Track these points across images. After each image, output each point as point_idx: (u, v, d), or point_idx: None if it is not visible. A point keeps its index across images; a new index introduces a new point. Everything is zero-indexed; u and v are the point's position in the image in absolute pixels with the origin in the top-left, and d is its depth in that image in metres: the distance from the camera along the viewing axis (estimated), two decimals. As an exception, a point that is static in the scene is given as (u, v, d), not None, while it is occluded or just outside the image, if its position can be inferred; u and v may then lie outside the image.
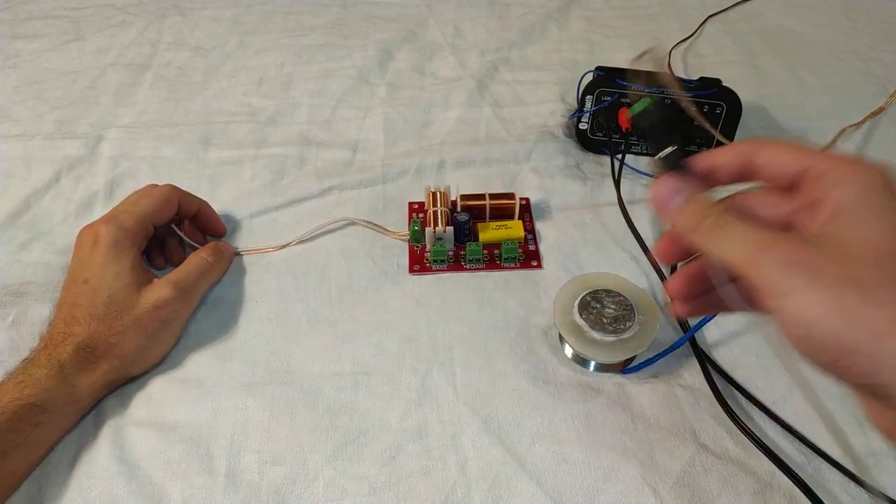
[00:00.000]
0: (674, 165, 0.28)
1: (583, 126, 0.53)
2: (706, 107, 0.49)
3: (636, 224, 0.47)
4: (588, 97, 0.51)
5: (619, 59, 0.65)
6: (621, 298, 0.39)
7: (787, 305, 0.22)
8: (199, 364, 0.40)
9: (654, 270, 0.44)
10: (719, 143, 0.51)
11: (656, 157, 0.29)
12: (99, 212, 0.50)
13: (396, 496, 0.34)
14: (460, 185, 0.49)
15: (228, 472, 0.35)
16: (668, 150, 0.29)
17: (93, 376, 0.37)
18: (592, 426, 0.36)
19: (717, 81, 0.50)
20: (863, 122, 0.56)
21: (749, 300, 0.26)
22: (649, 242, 0.46)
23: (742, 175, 0.28)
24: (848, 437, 0.36)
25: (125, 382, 0.39)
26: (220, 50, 0.67)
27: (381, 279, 0.44)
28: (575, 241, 0.47)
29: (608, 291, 0.40)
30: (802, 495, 0.33)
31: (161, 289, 0.40)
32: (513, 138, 0.55)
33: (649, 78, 0.50)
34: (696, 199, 0.27)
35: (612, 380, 0.39)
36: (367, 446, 0.36)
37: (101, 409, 0.38)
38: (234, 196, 0.51)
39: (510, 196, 0.47)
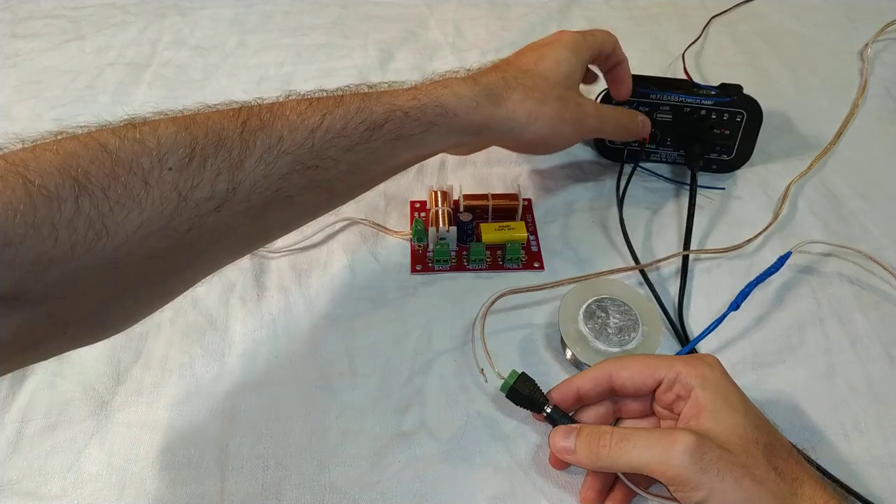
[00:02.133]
0: (555, 418, 0.33)
1: None
2: (726, 115, 0.48)
3: (629, 226, 0.47)
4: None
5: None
6: (626, 308, 0.39)
7: (707, 497, 0.27)
8: (196, 359, 0.40)
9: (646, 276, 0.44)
10: (740, 151, 0.50)
11: (543, 416, 0.34)
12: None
13: (401, 501, 0.34)
14: (462, 185, 0.48)
15: (226, 472, 0.35)
16: (547, 409, 0.33)
17: (485, 112, 0.38)
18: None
19: (739, 88, 0.49)
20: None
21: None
22: (638, 247, 0.46)
23: (605, 394, 0.34)
24: (834, 445, 0.36)
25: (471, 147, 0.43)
26: (219, 49, 0.67)
27: (384, 278, 0.44)
28: (577, 243, 0.47)
29: (613, 300, 0.39)
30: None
31: (589, 103, 0.43)
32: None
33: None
34: (585, 431, 0.31)
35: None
36: (368, 447, 0.36)
37: (93, 407, 0.38)
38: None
39: (513, 197, 0.47)
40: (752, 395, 0.32)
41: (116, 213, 0.25)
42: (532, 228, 0.47)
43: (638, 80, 0.49)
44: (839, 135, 0.56)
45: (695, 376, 0.31)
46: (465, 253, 0.46)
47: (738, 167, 0.52)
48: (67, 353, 0.34)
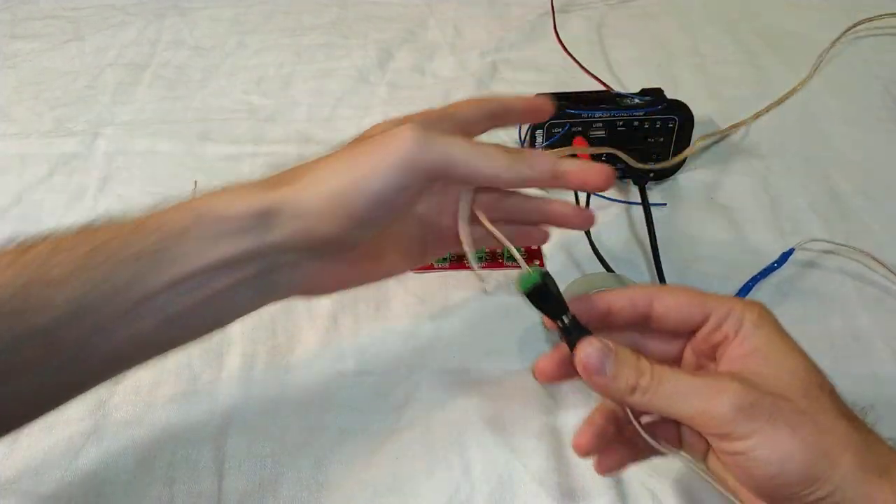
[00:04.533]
0: (571, 330, 0.28)
1: None
2: (658, 122, 0.48)
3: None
4: (538, 132, 0.48)
5: (620, 57, 0.65)
6: None
7: (754, 447, 0.23)
8: (193, 358, 0.40)
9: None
10: (676, 152, 0.49)
11: (558, 325, 0.28)
12: (89, 204, 0.49)
13: (398, 498, 0.34)
14: (461, 183, 0.48)
15: (224, 470, 0.35)
16: (565, 318, 0.28)
17: (261, 195, 0.27)
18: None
19: (660, 91, 0.49)
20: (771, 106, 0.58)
21: (676, 441, 0.28)
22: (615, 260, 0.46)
23: (637, 321, 0.29)
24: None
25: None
26: (219, 49, 0.67)
27: (383, 276, 0.44)
28: (576, 240, 0.47)
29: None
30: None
31: (451, 137, 0.28)
32: (512, 138, 0.55)
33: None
34: (624, 360, 0.26)
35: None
36: (368, 446, 0.36)
37: (91, 406, 0.37)
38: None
39: (512, 194, 0.47)
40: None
41: None
42: (532, 226, 0.47)
43: (560, 97, 0.49)
44: (841, 134, 0.56)
45: (749, 312, 0.27)
46: (464, 251, 0.45)
47: (675, 172, 0.51)
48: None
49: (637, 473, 0.34)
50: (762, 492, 0.24)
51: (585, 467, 0.34)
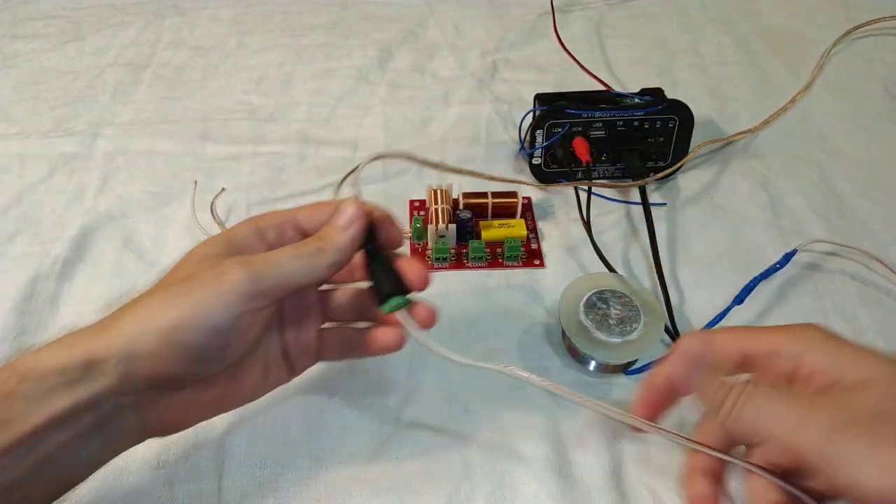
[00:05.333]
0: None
1: (536, 161, 0.50)
2: (658, 122, 0.48)
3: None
4: (538, 132, 0.48)
5: (620, 57, 0.65)
6: (627, 299, 0.39)
7: (860, 476, 0.22)
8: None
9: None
10: (675, 155, 0.50)
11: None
12: (89, 204, 0.49)
13: (399, 497, 0.34)
14: (461, 183, 0.48)
15: (223, 470, 0.34)
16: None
17: (82, 345, 0.27)
18: (595, 427, 0.36)
19: (660, 91, 0.50)
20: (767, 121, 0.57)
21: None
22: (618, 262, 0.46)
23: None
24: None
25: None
26: (219, 49, 0.67)
27: (382, 277, 0.44)
28: (577, 240, 0.47)
29: (614, 292, 0.39)
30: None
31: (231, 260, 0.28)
32: (512, 138, 0.55)
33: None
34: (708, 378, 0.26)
35: (614, 381, 0.38)
36: (366, 444, 0.36)
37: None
38: (232, 187, 0.50)
39: (512, 195, 0.47)
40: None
41: None
42: (532, 226, 0.47)
43: (560, 97, 0.49)
44: (841, 135, 0.56)
45: (804, 340, 0.25)
46: (464, 251, 0.45)
47: (675, 172, 0.51)
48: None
49: (637, 473, 0.34)
50: None
51: (586, 468, 0.34)
